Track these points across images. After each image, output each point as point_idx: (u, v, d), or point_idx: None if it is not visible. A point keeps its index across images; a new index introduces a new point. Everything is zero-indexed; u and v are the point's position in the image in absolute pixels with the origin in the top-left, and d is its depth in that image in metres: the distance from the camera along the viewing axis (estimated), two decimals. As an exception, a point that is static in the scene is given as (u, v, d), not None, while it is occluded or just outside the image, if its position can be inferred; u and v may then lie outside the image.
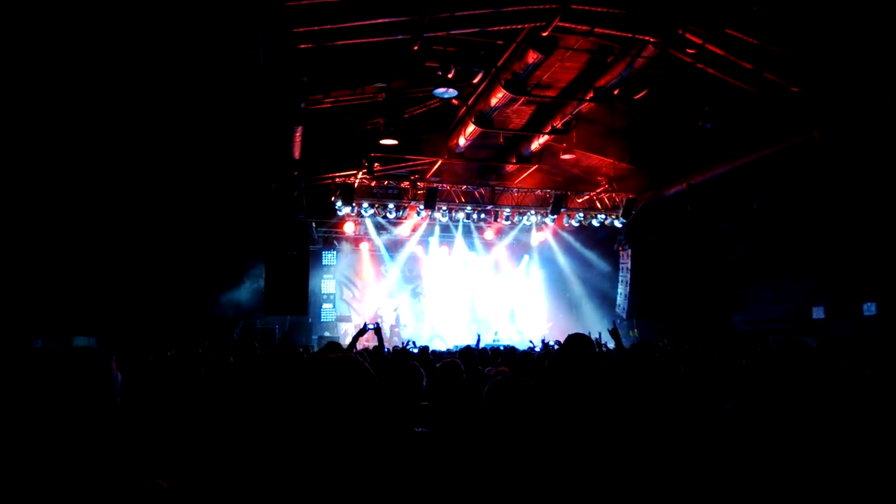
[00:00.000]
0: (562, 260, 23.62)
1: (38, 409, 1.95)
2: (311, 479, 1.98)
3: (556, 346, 10.99)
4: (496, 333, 22.54)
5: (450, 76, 12.06)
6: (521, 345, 17.12)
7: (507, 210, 19.75)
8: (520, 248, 25.44)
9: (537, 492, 2.44)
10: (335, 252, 23.47)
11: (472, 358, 6.99)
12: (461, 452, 2.53)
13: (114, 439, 1.99)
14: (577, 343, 3.85)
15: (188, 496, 2.44)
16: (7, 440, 2.01)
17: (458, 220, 20.69)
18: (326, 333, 21.00)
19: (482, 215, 19.90)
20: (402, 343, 14.47)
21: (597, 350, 9.66)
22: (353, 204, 18.03)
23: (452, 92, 12.84)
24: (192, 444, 3.36)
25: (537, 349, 12.07)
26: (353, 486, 1.97)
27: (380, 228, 22.55)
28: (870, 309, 13.82)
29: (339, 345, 6.32)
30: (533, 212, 19.95)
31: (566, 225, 20.86)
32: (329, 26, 10.14)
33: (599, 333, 14.96)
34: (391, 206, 18.64)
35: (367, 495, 1.97)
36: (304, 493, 1.98)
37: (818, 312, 15.06)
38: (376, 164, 17.50)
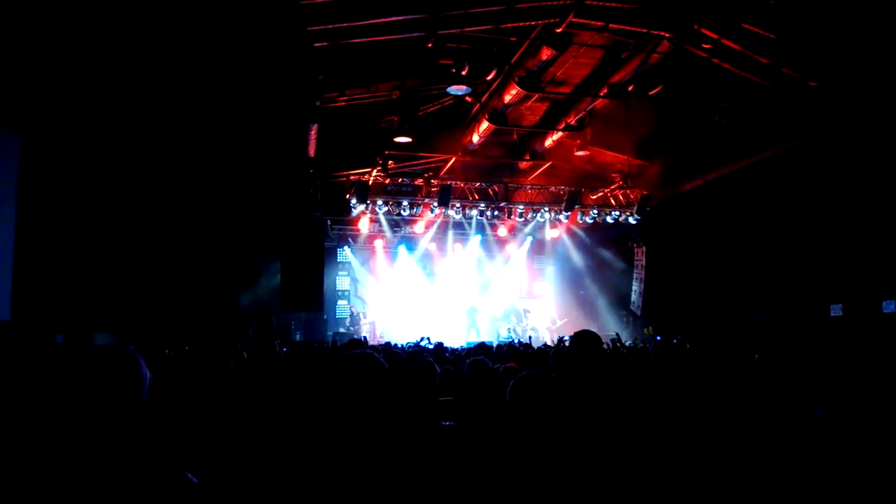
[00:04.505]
0: (576, 257, 23.59)
1: (66, 405, 1.97)
2: (334, 473, 2.00)
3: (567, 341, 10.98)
4: (508, 331, 22.55)
5: (464, 73, 12.08)
6: (534, 342, 17.11)
7: (521, 207, 19.76)
8: (534, 246, 25.41)
9: (559, 483, 2.47)
10: (350, 249, 23.54)
11: (489, 355, 7.01)
12: (488, 446, 2.56)
13: (141, 436, 2.02)
14: (585, 339, 3.87)
15: (216, 490, 2.47)
16: (38, 437, 2.03)
17: (471, 218, 20.70)
18: (341, 330, 21.08)
19: (496, 212, 19.91)
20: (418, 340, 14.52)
21: (612, 348, 9.66)
22: (368, 201, 18.11)
23: (466, 89, 12.84)
24: (215, 438, 3.39)
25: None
26: (376, 480, 1.99)
27: (394, 225, 22.60)
28: (889, 306, 13.69)
29: (360, 342, 6.37)
30: (546, 209, 19.93)
31: (580, 222, 20.85)
32: (344, 24, 10.18)
33: (617, 334, 14.97)
34: (405, 203, 18.71)
35: (389, 490, 1.99)
36: (327, 488, 1.99)
37: (836, 310, 14.93)
38: (390, 162, 17.55)
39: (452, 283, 23.93)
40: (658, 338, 17.28)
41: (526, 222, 21.33)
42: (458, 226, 23.17)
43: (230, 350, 4.71)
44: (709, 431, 3.37)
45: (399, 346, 12.82)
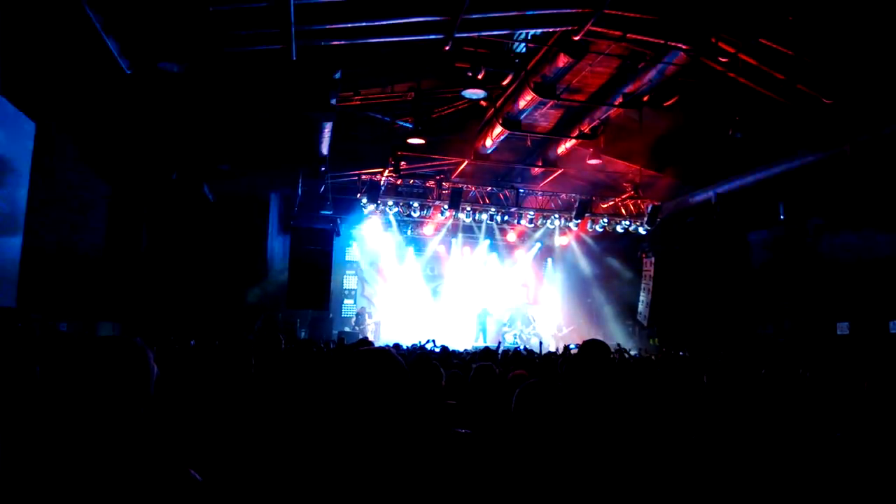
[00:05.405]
0: (584, 265, 23.57)
1: (70, 396, 1.96)
2: (345, 473, 2.00)
3: (574, 349, 10.97)
4: (514, 336, 22.54)
5: (479, 77, 12.09)
6: (537, 349, 17.08)
7: (531, 213, 19.75)
8: (542, 252, 25.40)
9: (564, 493, 2.47)
10: (358, 248, 23.57)
11: (495, 360, 7.02)
12: (497, 454, 2.56)
13: (145, 430, 2.01)
14: (594, 349, 3.87)
15: (221, 488, 2.47)
16: (39, 427, 2.03)
17: (481, 222, 20.71)
18: (347, 329, 21.12)
19: (506, 217, 19.90)
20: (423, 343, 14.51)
21: (616, 357, 9.64)
22: (379, 202, 18.13)
23: (481, 93, 12.86)
24: (224, 435, 3.39)
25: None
26: (388, 482, 1.98)
27: (403, 227, 22.63)
28: (896, 327, 13.64)
29: (369, 341, 6.39)
30: (557, 215, 19.92)
31: (590, 230, 20.83)
32: (362, 24, 10.20)
33: (618, 345, 14.96)
34: (416, 204, 18.72)
35: (399, 492, 1.99)
36: (335, 488, 1.99)
37: (842, 328, 14.88)
38: (403, 163, 17.58)
39: (459, 286, 23.93)
40: (664, 349, 17.26)
41: (535, 228, 21.32)
42: (468, 229, 23.18)
43: (251, 347, 4.72)
44: (714, 443, 3.37)
45: (404, 347, 12.83)
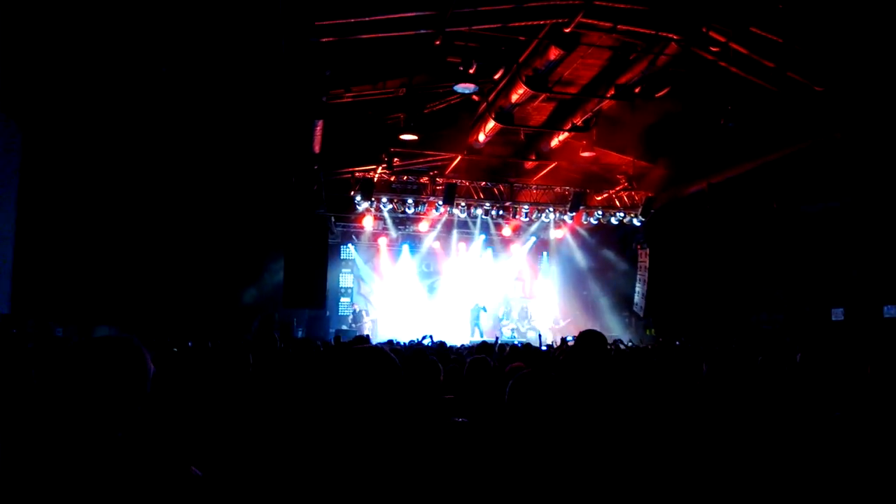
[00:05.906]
0: (579, 257, 23.58)
1: (67, 397, 1.94)
2: (341, 468, 1.99)
3: (571, 342, 10.96)
4: (511, 331, 22.53)
5: (471, 72, 12.07)
6: (534, 342, 17.10)
7: (526, 207, 19.76)
8: (537, 245, 25.40)
9: (558, 483, 2.47)
10: (353, 246, 23.53)
11: (491, 354, 7.02)
12: (492, 444, 2.56)
13: (144, 428, 2.00)
14: (590, 339, 3.88)
15: (222, 483, 2.46)
16: (36, 430, 2.01)
17: (476, 217, 20.70)
18: (344, 327, 21.10)
19: (501, 212, 19.91)
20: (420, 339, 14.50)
21: (611, 349, 9.65)
22: (373, 199, 18.11)
23: (473, 88, 12.83)
24: (224, 432, 3.39)
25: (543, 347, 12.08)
26: (384, 475, 1.98)
27: (398, 223, 22.59)
28: (890, 311, 13.68)
29: (366, 339, 6.38)
30: (551, 209, 19.94)
31: (584, 223, 20.85)
32: (352, 20, 10.17)
33: (617, 340, 14.98)
34: (410, 201, 18.71)
35: (400, 487, 1.98)
36: (334, 484, 1.98)
37: (837, 314, 14.93)
38: (396, 160, 17.54)
39: (455, 281, 23.91)
40: (660, 339, 17.29)
41: (530, 222, 21.33)
42: (463, 225, 23.16)
43: (248, 346, 4.72)
44: (709, 431, 3.37)
45: (401, 343, 12.82)
